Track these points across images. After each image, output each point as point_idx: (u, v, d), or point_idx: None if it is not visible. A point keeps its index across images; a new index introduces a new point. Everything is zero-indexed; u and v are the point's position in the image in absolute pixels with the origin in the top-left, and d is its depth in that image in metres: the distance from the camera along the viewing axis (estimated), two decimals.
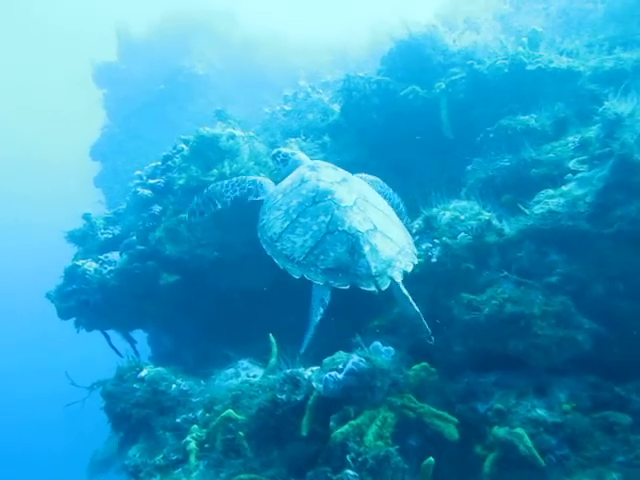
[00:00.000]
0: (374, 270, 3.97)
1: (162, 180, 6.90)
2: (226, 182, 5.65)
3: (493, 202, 5.06)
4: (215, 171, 6.59)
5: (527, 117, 5.45)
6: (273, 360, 5.23)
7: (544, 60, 5.72)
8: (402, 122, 6.84)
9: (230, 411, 4.46)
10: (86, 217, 7.89)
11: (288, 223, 4.33)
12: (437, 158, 6.69)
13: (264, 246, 4.64)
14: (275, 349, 5.27)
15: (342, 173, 4.81)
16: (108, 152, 20.07)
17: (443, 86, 6.44)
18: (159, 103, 19.64)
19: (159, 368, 5.62)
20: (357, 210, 4.20)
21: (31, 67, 49.44)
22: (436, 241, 4.78)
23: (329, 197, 4.30)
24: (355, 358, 4.21)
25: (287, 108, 8.66)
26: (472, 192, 5.47)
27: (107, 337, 7.63)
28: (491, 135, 5.69)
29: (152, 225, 7.02)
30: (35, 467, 28.10)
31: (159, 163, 7.53)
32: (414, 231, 5.08)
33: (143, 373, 5.51)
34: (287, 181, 4.95)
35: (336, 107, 7.95)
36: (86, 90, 24.11)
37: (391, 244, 4.20)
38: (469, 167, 5.96)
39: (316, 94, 8.33)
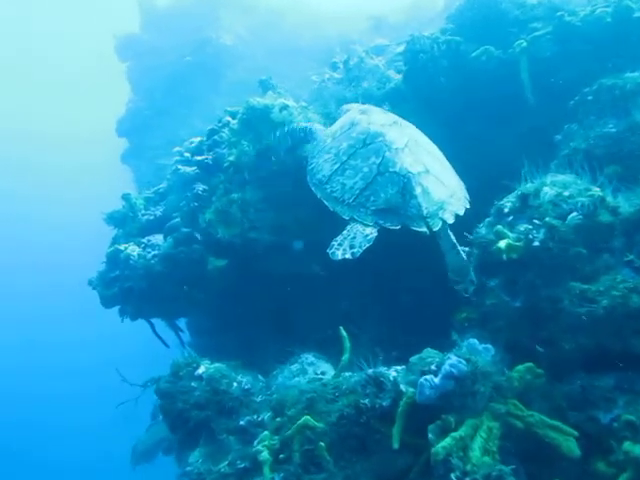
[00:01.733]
0: (425, 211, 3.94)
1: (210, 157, 6.38)
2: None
3: (595, 176, 4.43)
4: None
5: (638, 74, 4.74)
6: (346, 357, 4.78)
7: None
8: (473, 87, 6.19)
9: (308, 418, 4.00)
10: (125, 197, 7.46)
11: (338, 165, 4.30)
12: (515, 127, 6.01)
13: (313, 189, 4.61)
14: (348, 344, 4.79)
15: (393, 117, 4.66)
16: (134, 128, 19.52)
17: (524, 44, 5.75)
18: (186, 76, 19.02)
19: (218, 364, 5.20)
20: (408, 152, 4.12)
21: (54, 39, 48.95)
22: (536, 222, 4.19)
23: (380, 139, 4.23)
24: (453, 359, 3.70)
25: (337, 76, 8.02)
26: (566, 164, 4.85)
27: (152, 326, 7.25)
28: (590, 97, 5.02)
29: (198, 206, 6.55)
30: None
31: (203, 138, 7.03)
32: (506, 210, 4.49)
33: (201, 370, 5.09)
34: (337, 125, 4.87)
35: (392, 74, 7.29)
36: (110, 63, 23.54)
37: (442, 187, 4.13)
38: (558, 136, 5.33)
39: (370, 59, 7.66)
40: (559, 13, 5.57)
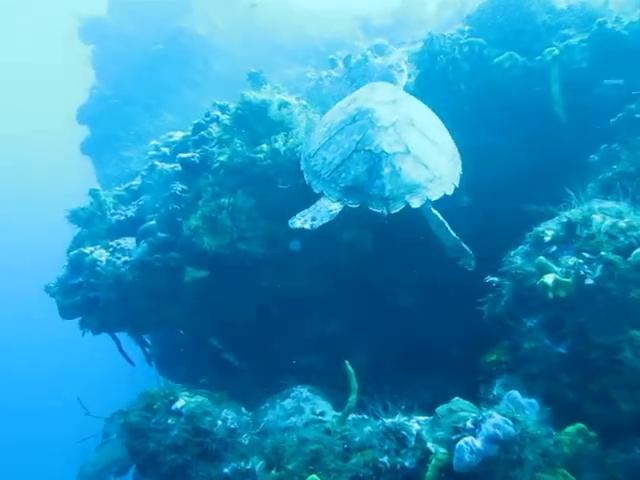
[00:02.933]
0: (388, 192, 3.89)
1: (197, 154, 5.62)
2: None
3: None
4: (265, 146, 5.37)
5: None
6: (353, 398, 4.11)
7: None
8: (494, 96, 5.64)
9: (315, 477, 3.32)
10: (93, 194, 6.62)
11: (326, 140, 4.30)
12: (541, 144, 5.48)
13: (301, 162, 4.64)
14: (355, 383, 4.13)
15: (399, 95, 4.56)
16: (97, 116, 18.25)
17: (556, 52, 5.23)
18: (156, 65, 17.96)
19: (199, 397, 4.49)
20: (392, 132, 4.04)
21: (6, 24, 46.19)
22: (588, 255, 3.64)
23: (368, 116, 4.16)
24: (497, 418, 3.12)
25: (335, 74, 7.39)
26: (607, 188, 4.35)
27: (117, 341, 6.44)
28: (637, 115, 4.51)
29: (178, 208, 5.79)
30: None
31: (187, 133, 6.26)
32: (547, 239, 3.95)
33: (179, 404, 4.37)
34: (343, 100, 4.78)
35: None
36: (68, 47, 22.20)
37: (423, 171, 4.02)
38: (594, 156, 4.83)
39: (374, 58, 7.03)
40: (600, 19, 5.07)
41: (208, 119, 6.00)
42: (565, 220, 3.90)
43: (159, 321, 6.29)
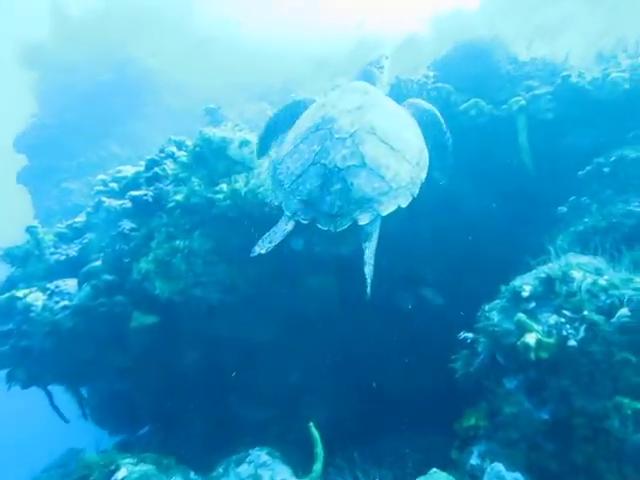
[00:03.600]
0: (336, 209, 3.88)
1: (150, 193, 5.23)
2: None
3: (620, 259, 3.86)
4: (225, 186, 5.09)
5: None
6: (318, 467, 3.76)
7: None
8: (460, 143, 5.55)
9: None
10: (31, 231, 6.05)
11: (292, 147, 4.30)
12: (506, 192, 5.42)
13: (270, 167, 4.62)
14: (320, 450, 3.80)
15: (368, 98, 4.47)
16: (37, 145, 17.40)
17: (523, 102, 5.23)
18: (103, 95, 17.49)
19: (144, 465, 3.99)
20: (350, 143, 4.02)
21: None
22: (568, 314, 3.49)
23: (329, 126, 4.16)
24: None
25: None
26: (578, 241, 4.29)
27: (50, 396, 5.82)
28: (606, 169, 4.50)
29: (127, 249, 5.36)
30: None
31: (140, 168, 5.86)
32: (525, 295, 3.78)
33: (121, 474, 3.85)
34: (315, 104, 4.70)
35: None
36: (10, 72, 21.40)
37: (378, 183, 3.97)
38: (563, 208, 4.78)
39: None
40: (564, 73, 5.11)
41: (163, 155, 5.65)
42: (544, 275, 3.76)
43: (101, 371, 5.75)
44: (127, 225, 5.55)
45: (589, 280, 3.55)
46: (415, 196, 4.11)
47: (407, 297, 5.76)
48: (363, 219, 3.91)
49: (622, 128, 4.74)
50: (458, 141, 5.64)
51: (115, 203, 6.06)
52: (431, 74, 6.02)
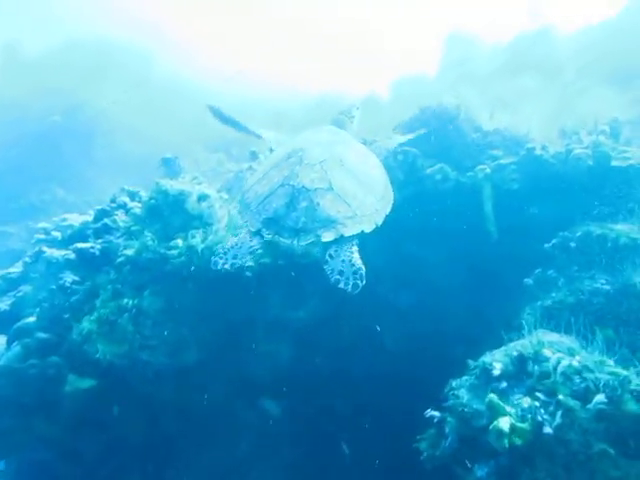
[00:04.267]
0: (301, 224, 3.98)
1: (98, 245, 4.87)
2: None
3: (585, 337, 3.80)
4: (180, 242, 4.80)
5: (631, 228, 4.31)
6: None
7: (637, 156, 4.72)
8: (424, 207, 5.52)
9: None
10: None
11: (261, 175, 4.47)
12: (473, 260, 5.36)
13: (239, 197, 4.71)
14: None
15: (339, 137, 4.76)
16: None
17: (488, 170, 5.26)
18: (53, 137, 16.96)
19: None
20: (318, 169, 4.19)
21: None
22: (542, 397, 3.36)
23: (299, 154, 4.35)
24: None
25: (256, 167, 7.03)
26: (546, 316, 4.20)
27: None
28: (572, 244, 4.49)
29: (67, 305, 4.94)
30: None
31: (88, 218, 5.50)
32: (496, 373, 3.64)
33: None
34: (288, 141, 4.90)
35: None
36: None
37: (343, 207, 4.09)
38: (529, 280, 4.74)
39: None
40: (529, 145, 5.20)
41: (114, 205, 5.34)
42: (515, 354, 3.63)
43: (24, 441, 5.16)
44: (69, 278, 5.15)
45: (565, 362, 3.43)
46: (379, 225, 4.20)
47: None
48: (326, 236, 3.98)
49: (586, 203, 4.81)
50: (424, 206, 5.64)
51: (57, 254, 5.65)
52: (397, 137, 6.04)
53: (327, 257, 3.99)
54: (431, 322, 5.36)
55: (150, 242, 4.75)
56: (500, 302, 4.94)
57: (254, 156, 7.49)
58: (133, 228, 4.82)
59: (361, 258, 5.79)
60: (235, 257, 4.14)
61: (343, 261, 3.99)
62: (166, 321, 4.72)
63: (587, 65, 9.59)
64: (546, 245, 4.71)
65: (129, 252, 4.68)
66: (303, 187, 4.07)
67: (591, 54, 9.91)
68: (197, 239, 4.81)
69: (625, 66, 9.30)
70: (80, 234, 5.35)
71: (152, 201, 4.93)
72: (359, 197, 4.20)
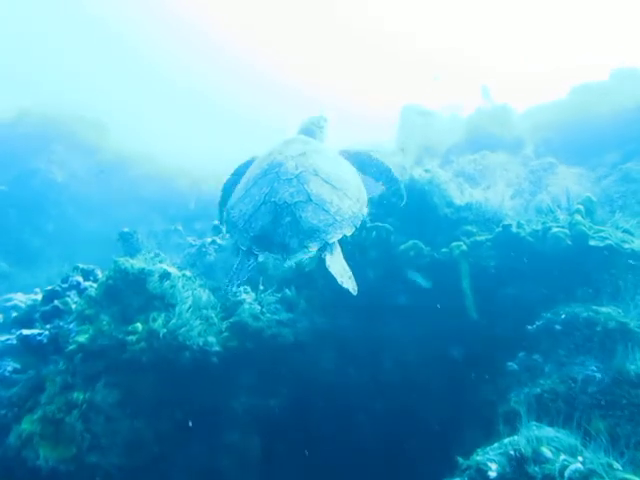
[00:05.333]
0: (287, 239, 4.21)
1: (46, 331, 4.41)
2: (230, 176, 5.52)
3: (584, 430, 3.55)
4: (139, 325, 4.40)
5: (616, 311, 4.16)
6: None
7: (613, 237, 4.65)
8: (400, 285, 5.32)
9: None
10: None
11: (243, 193, 4.70)
12: (451, 340, 5.11)
13: (224, 214, 5.00)
14: None
15: (310, 147, 4.99)
16: None
17: (464, 247, 5.12)
18: None
19: None
20: (295, 183, 4.48)
21: None
22: None
23: (276, 170, 4.61)
24: None
25: (220, 242, 6.74)
26: (539, 407, 3.95)
27: None
28: (558, 327, 4.29)
29: (6, 397, 4.40)
30: None
31: (36, 297, 5.04)
32: (492, 475, 3.30)
33: None
34: (263, 155, 5.12)
35: None
36: None
37: (324, 216, 4.35)
38: (513, 364, 4.49)
39: None
40: (505, 222, 5.11)
41: (66, 286, 4.90)
42: (512, 452, 3.32)
43: None
44: (9, 366, 4.63)
45: (572, 467, 3.14)
46: (357, 227, 4.46)
47: None
48: (313, 247, 4.22)
49: (567, 282, 4.67)
50: (397, 282, 5.43)
51: None
52: (371, 212, 5.89)
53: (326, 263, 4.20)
54: (406, 403, 5.03)
55: (106, 327, 4.32)
56: (480, 385, 4.70)
57: (217, 230, 7.23)
58: (87, 312, 4.37)
59: (334, 337, 5.55)
60: (239, 278, 4.31)
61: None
62: (121, 416, 4.23)
63: (545, 141, 9.95)
64: (529, 327, 4.48)
65: (82, 338, 4.22)
66: (284, 202, 4.32)
67: (547, 131, 10.31)
68: (159, 322, 4.42)
69: (580, 142, 9.69)
70: (26, 317, 4.86)
71: (110, 281, 4.53)
72: (336, 202, 4.47)
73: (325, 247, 4.27)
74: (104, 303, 4.48)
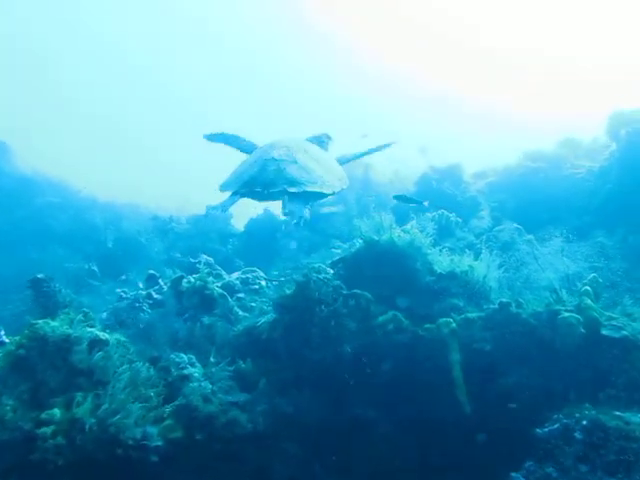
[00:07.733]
0: (269, 181, 4.69)
1: None
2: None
3: None
4: (57, 411, 3.32)
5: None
6: None
7: (629, 327, 4.12)
8: (380, 363, 4.57)
9: None
10: None
11: (238, 167, 5.28)
12: (436, 435, 4.37)
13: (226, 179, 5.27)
14: None
15: (308, 144, 5.54)
16: None
17: (453, 324, 4.46)
18: None
19: None
20: (285, 150, 5.02)
21: None
22: None
23: (269, 148, 5.14)
24: None
25: (156, 296, 5.70)
26: None
27: None
28: (578, 435, 3.59)
29: None
30: None
31: None
32: None
33: None
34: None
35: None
36: None
37: (305, 174, 4.82)
38: (518, 476, 3.75)
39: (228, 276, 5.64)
40: (503, 300, 4.50)
41: None
42: None
43: None
44: None
45: None
46: (334, 193, 4.95)
47: None
48: (292, 189, 4.63)
49: (577, 376, 4.06)
50: (378, 360, 4.67)
51: None
52: (331, 271, 5.16)
53: (286, 203, 4.56)
54: None
55: (10, 414, 3.21)
56: None
57: (153, 280, 6.18)
58: None
59: (297, 424, 4.63)
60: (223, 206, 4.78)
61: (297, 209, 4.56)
62: None
63: (500, 205, 9.76)
64: (538, 430, 3.76)
65: None
66: (272, 158, 4.88)
67: (502, 194, 10.15)
68: (85, 408, 3.37)
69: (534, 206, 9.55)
70: None
71: (20, 351, 3.43)
72: (319, 172, 4.96)
73: (301, 195, 4.63)
74: (9, 380, 3.36)
